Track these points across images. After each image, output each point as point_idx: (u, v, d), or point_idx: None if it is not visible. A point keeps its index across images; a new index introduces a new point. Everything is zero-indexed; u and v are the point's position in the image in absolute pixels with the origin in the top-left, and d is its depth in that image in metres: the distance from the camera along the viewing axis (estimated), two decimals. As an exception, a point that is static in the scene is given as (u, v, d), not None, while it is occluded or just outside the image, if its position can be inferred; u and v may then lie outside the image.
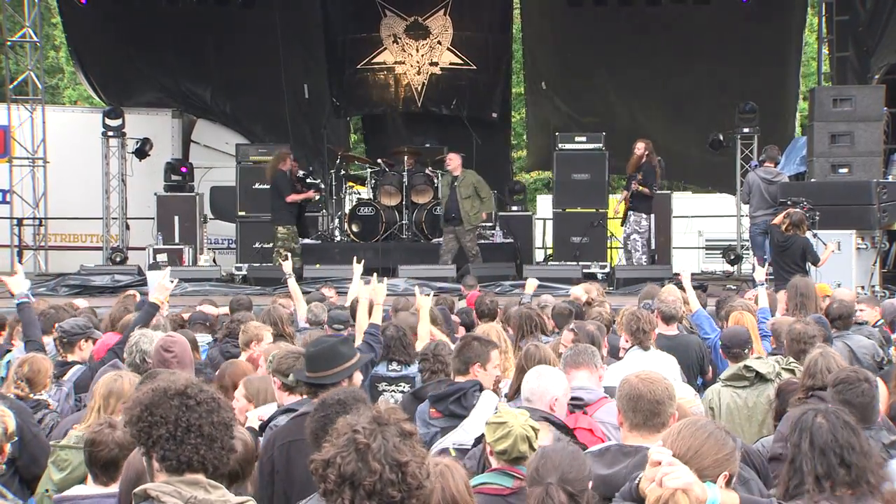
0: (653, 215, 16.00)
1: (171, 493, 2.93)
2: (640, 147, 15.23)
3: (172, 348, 5.64)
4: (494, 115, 19.81)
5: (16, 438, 4.32)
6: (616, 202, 15.80)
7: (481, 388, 5.24)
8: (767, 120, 17.66)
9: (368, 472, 2.81)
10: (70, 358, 6.58)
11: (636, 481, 3.18)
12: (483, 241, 16.70)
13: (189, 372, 5.65)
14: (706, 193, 22.19)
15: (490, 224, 17.18)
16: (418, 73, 19.47)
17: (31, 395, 5.66)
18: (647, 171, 15.09)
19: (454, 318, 8.95)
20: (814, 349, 5.61)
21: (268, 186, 16.30)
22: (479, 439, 4.68)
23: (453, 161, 15.49)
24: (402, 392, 6.45)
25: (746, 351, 6.58)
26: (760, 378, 5.76)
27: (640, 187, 14.95)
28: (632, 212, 15.25)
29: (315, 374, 4.75)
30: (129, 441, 4.13)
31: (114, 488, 4.17)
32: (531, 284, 10.49)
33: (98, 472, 4.20)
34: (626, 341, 6.84)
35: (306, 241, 16.77)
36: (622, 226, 15.71)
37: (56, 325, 6.93)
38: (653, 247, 16.80)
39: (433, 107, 19.52)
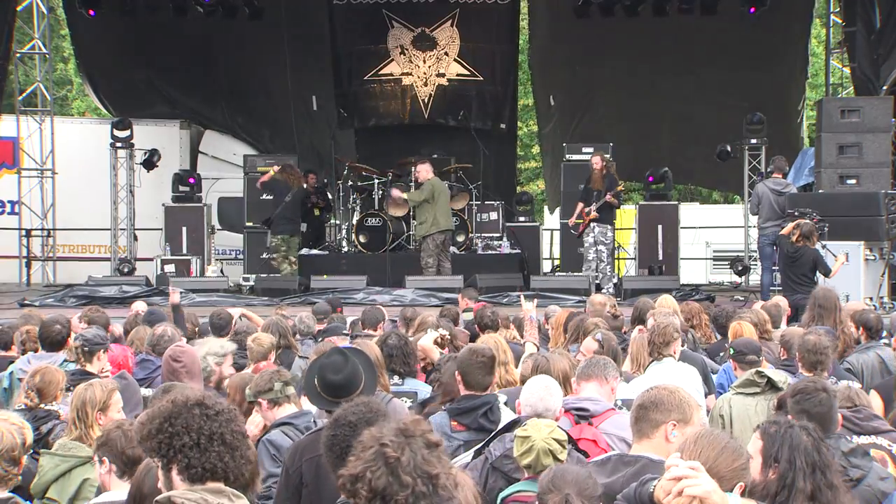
0: (660, 226, 15.98)
1: (196, 500, 2.93)
2: (596, 162, 15.14)
3: (181, 358, 5.65)
4: (503, 125, 19.82)
5: (32, 451, 4.33)
6: (580, 213, 15.47)
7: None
8: (775, 130, 17.64)
9: (400, 485, 2.80)
10: (88, 368, 6.58)
11: (651, 488, 3.17)
12: (490, 252, 16.71)
13: (198, 382, 5.67)
14: (714, 204, 22.17)
15: (497, 234, 17.20)
16: (425, 84, 19.48)
17: (42, 406, 5.67)
18: (611, 183, 15.01)
19: (463, 329, 8.92)
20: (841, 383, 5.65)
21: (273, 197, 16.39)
22: (479, 451, 4.73)
23: (419, 171, 15.43)
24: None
25: (760, 359, 6.58)
26: (772, 386, 5.73)
27: (613, 199, 14.89)
28: (596, 223, 15.10)
29: (339, 400, 4.75)
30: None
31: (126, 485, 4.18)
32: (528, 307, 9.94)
33: (125, 470, 4.20)
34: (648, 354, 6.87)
35: (313, 251, 16.82)
36: (580, 237, 15.41)
37: (77, 334, 6.94)
38: (660, 258, 16.82)
39: (440, 118, 19.53)
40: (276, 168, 15.99)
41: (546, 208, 23.39)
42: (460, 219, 16.76)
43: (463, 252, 16.50)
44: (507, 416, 5.13)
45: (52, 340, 7.33)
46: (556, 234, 18.16)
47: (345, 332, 8.04)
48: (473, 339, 8.52)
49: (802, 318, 8.59)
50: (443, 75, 19.47)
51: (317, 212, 17.39)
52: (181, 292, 10.34)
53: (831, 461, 3.56)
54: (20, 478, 4.20)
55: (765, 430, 3.61)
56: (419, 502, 2.80)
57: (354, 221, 16.66)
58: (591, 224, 15.07)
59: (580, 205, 15.30)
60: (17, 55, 18.90)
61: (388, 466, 2.82)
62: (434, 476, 2.84)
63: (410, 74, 19.49)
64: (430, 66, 19.42)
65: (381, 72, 19.53)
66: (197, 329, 9.45)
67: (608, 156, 15.31)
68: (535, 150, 26.51)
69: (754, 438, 3.62)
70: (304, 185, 16.20)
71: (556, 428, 4.28)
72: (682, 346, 7.76)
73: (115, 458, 4.22)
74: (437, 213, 15.10)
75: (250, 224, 16.66)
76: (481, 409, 5.10)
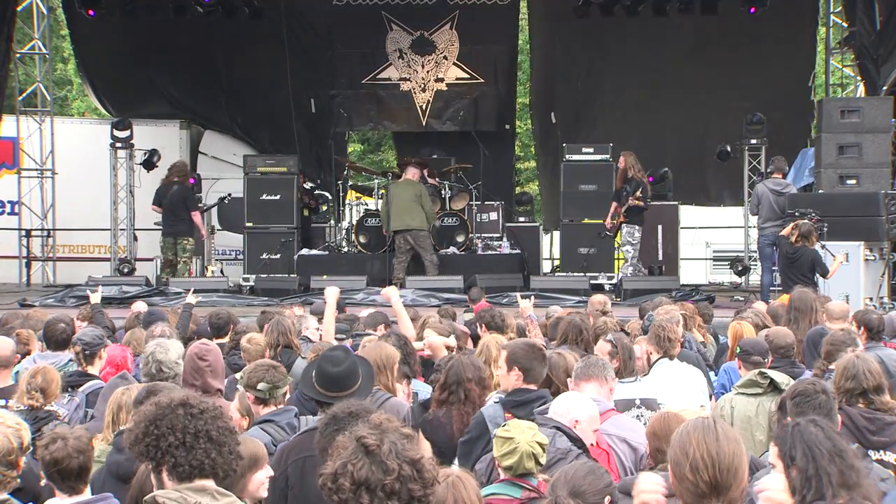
0: (660, 226, 16.02)
1: (176, 499, 2.95)
2: (621, 161, 15.33)
3: (207, 357, 5.63)
4: (508, 126, 19.82)
5: (31, 450, 4.33)
6: (614, 213, 15.71)
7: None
8: (778, 130, 17.61)
9: (384, 472, 2.83)
10: (90, 370, 6.66)
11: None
12: (490, 252, 16.74)
13: (220, 381, 5.66)
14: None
15: (497, 235, 17.20)
16: (423, 90, 19.45)
17: (44, 406, 5.68)
18: (639, 185, 15.13)
19: (464, 328, 8.92)
20: (848, 352, 5.66)
21: (276, 197, 16.39)
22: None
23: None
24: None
25: (766, 360, 6.60)
26: (774, 387, 5.74)
27: (637, 201, 15.00)
28: (625, 224, 15.28)
29: (332, 394, 4.76)
30: (85, 443, 4.19)
31: (87, 493, 4.21)
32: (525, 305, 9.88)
33: (73, 483, 4.21)
34: (650, 352, 6.86)
35: (313, 251, 16.82)
36: (613, 237, 15.72)
37: (75, 337, 6.96)
38: (660, 258, 16.82)
39: (438, 125, 19.52)
40: None
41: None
42: (460, 219, 16.76)
43: (463, 252, 16.51)
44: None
45: (56, 339, 7.33)
46: (556, 235, 18.16)
47: (339, 337, 8.00)
48: (474, 339, 8.55)
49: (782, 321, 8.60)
50: (441, 80, 19.44)
51: (306, 212, 17.38)
52: (194, 292, 10.46)
53: (846, 446, 3.57)
54: (19, 480, 4.20)
55: (776, 435, 3.64)
56: (407, 485, 2.82)
57: (354, 221, 16.66)
58: (621, 225, 15.31)
59: (613, 204, 15.52)
60: (18, 55, 18.90)
61: (371, 456, 2.85)
62: (417, 460, 2.87)
63: (408, 80, 19.46)
64: (428, 72, 19.41)
65: (380, 76, 19.50)
66: (194, 328, 9.45)
67: (631, 155, 15.45)
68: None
69: (771, 446, 3.65)
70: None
71: (538, 431, 4.26)
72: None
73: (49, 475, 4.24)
74: (389, 215, 15.41)
75: (250, 224, 16.66)
76: (537, 403, 5.12)
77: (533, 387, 5.30)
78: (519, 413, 5.06)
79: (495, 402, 5.33)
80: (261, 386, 5.20)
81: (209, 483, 3.05)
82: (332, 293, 7.86)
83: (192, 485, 3.02)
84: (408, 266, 15.69)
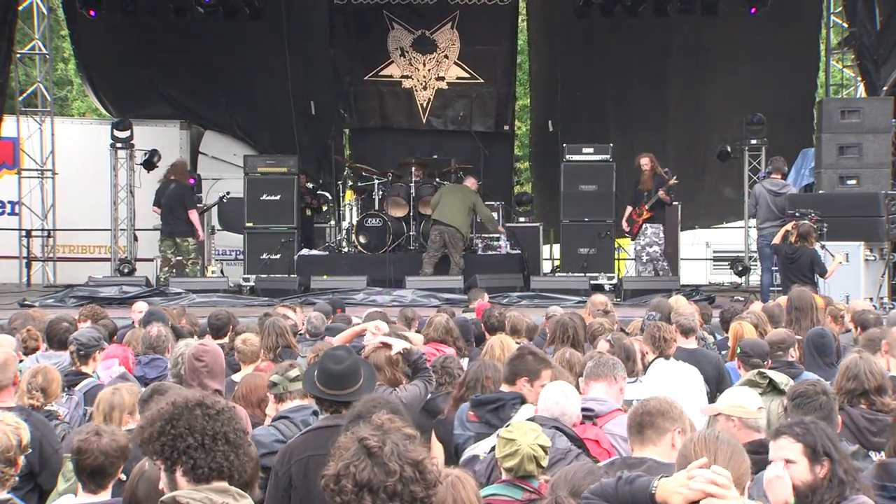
0: (661, 226, 16.02)
1: (201, 499, 2.94)
2: (646, 163, 15.39)
3: (203, 358, 5.62)
4: (507, 127, 19.83)
5: (30, 450, 4.33)
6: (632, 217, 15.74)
7: (523, 402, 5.21)
8: (781, 131, 17.60)
9: (386, 473, 2.83)
10: (84, 369, 6.68)
11: (652, 488, 3.15)
12: (490, 252, 16.75)
13: (220, 382, 5.67)
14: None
15: (496, 235, 17.20)
16: (425, 88, 19.47)
17: (45, 406, 5.69)
18: (660, 181, 15.24)
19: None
20: (852, 353, 5.69)
21: (276, 197, 16.38)
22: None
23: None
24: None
25: (765, 362, 6.61)
26: (773, 387, 5.75)
27: (664, 194, 15.11)
28: (648, 224, 15.32)
29: (333, 392, 4.77)
30: (115, 448, 4.18)
31: (103, 496, 4.21)
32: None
33: (86, 481, 4.22)
34: (645, 353, 6.87)
35: (313, 252, 16.82)
36: (633, 240, 15.77)
37: (71, 337, 6.97)
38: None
39: (438, 124, 19.53)
40: None
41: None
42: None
43: (463, 252, 16.50)
44: (526, 413, 5.15)
45: (59, 339, 7.33)
46: (556, 234, 18.16)
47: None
48: (479, 339, 8.54)
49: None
50: (442, 79, 19.45)
51: (308, 212, 17.39)
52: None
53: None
54: (17, 479, 4.21)
55: (795, 433, 3.71)
56: (409, 486, 2.82)
57: (354, 222, 16.66)
58: (644, 225, 15.32)
59: (629, 208, 15.59)
60: (18, 55, 18.90)
61: (372, 457, 2.84)
62: (419, 462, 2.87)
63: (410, 78, 19.48)
64: (429, 70, 19.42)
65: (381, 73, 19.52)
66: (196, 329, 9.45)
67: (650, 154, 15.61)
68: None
69: (787, 443, 3.69)
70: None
71: (541, 433, 4.26)
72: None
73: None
74: (435, 206, 15.59)
75: (250, 224, 16.66)
76: (492, 405, 5.15)
77: (503, 389, 5.36)
78: (477, 412, 5.20)
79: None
80: (274, 378, 5.25)
81: (227, 484, 3.04)
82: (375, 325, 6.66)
83: (212, 486, 3.01)
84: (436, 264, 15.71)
